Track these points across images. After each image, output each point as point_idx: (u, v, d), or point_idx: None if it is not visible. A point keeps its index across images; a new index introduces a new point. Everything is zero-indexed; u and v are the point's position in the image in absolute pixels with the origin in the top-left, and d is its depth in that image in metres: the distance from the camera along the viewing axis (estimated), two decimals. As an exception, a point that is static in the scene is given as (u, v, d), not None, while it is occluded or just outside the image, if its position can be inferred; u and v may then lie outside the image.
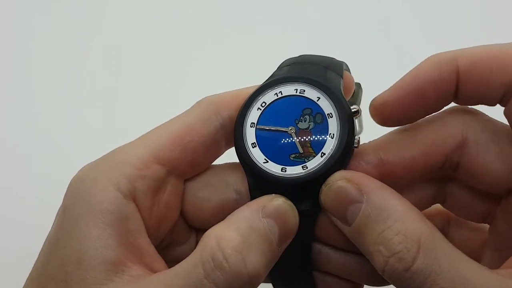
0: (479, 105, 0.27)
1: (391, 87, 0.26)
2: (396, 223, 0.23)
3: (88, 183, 0.25)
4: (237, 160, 0.27)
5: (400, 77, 0.26)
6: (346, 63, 0.29)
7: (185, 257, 0.30)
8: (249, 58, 0.55)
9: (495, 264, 0.27)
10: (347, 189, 0.25)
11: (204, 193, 0.28)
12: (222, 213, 0.27)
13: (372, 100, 0.27)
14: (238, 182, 0.28)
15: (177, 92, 0.54)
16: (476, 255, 0.29)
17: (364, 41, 0.56)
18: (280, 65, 0.29)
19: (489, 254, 0.29)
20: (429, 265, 0.22)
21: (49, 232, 0.26)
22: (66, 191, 0.26)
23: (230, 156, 0.29)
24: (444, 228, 0.31)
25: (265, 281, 0.30)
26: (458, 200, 0.29)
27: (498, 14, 0.55)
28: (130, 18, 0.59)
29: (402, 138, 0.27)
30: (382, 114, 0.27)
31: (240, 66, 0.54)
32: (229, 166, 0.29)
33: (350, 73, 0.29)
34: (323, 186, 0.26)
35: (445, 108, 0.27)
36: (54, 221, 0.26)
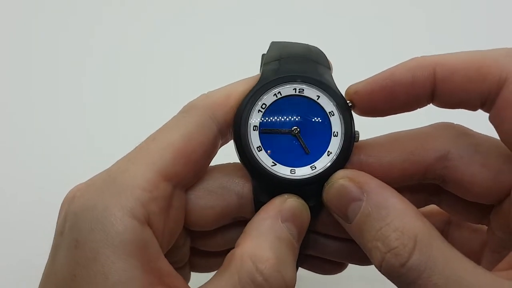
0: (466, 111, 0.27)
1: (366, 79, 0.27)
2: (394, 220, 0.24)
3: (100, 213, 0.24)
4: (232, 160, 0.28)
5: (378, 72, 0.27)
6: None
7: (181, 258, 0.31)
8: (238, 49, 0.55)
9: (494, 264, 0.27)
10: (349, 188, 0.25)
11: (207, 200, 0.28)
12: (224, 217, 0.28)
13: (347, 88, 0.27)
14: (239, 187, 0.28)
15: (171, 88, 0.53)
16: (476, 255, 0.30)
17: (362, 36, 0.56)
18: (265, 59, 0.28)
19: (489, 254, 0.29)
20: (424, 262, 0.23)
21: (55, 271, 0.25)
22: (71, 221, 0.25)
23: (229, 155, 0.29)
24: (445, 228, 0.31)
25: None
26: (452, 205, 0.29)
27: (500, 13, 0.54)
28: (127, 18, 0.59)
29: (385, 143, 0.27)
30: (353, 101, 0.27)
31: (229, 57, 0.54)
32: (228, 169, 0.29)
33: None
34: (325, 184, 0.26)
35: (430, 114, 0.28)
36: (58, 257, 0.25)
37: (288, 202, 0.26)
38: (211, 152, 0.28)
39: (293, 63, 0.28)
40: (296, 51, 0.28)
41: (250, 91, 0.27)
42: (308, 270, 0.32)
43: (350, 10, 0.57)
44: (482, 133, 0.27)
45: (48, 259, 0.25)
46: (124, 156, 0.27)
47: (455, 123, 0.28)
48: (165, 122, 0.28)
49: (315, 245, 0.29)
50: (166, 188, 0.26)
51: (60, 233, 0.25)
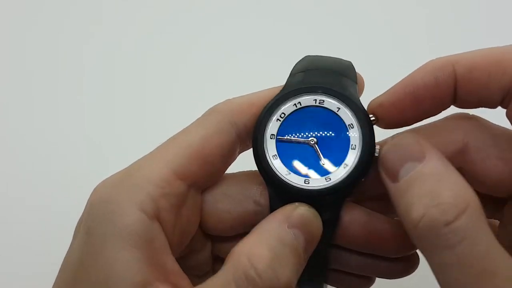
0: (481, 108, 0.27)
1: (388, 90, 0.26)
2: (450, 184, 0.23)
3: (112, 205, 0.25)
4: (247, 167, 0.28)
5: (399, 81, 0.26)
6: (352, 62, 0.29)
7: (201, 265, 0.31)
8: (255, 57, 0.54)
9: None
10: (412, 146, 0.24)
11: (224, 204, 0.28)
12: (242, 224, 0.28)
13: (369, 102, 0.27)
14: (257, 194, 0.28)
15: (180, 95, 0.53)
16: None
17: (371, 44, 0.55)
18: (292, 71, 0.29)
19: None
20: (469, 229, 0.22)
21: (69, 255, 0.26)
22: (88, 211, 0.26)
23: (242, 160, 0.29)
24: None
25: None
26: None
27: (504, 18, 0.54)
28: (131, 19, 0.58)
29: None
30: (378, 116, 0.27)
31: (247, 66, 0.53)
32: (246, 176, 0.29)
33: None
34: (389, 138, 0.25)
35: (445, 112, 0.27)
36: (74, 242, 0.26)
37: (298, 210, 0.25)
38: (228, 156, 0.28)
39: (318, 75, 0.28)
40: (324, 64, 0.28)
41: (271, 100, 0.27)
42: (336, 287, 0.32)
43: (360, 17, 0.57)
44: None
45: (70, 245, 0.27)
46: (145, 155, 0.27)
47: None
48: (166, 124, 0.28)
49: (337, 259, 0.29)
50: (180, 187, 0.26)
51: (80, 222, 0.27)
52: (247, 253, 0.24)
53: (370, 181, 0.27)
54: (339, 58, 0.29)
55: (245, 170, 0.30)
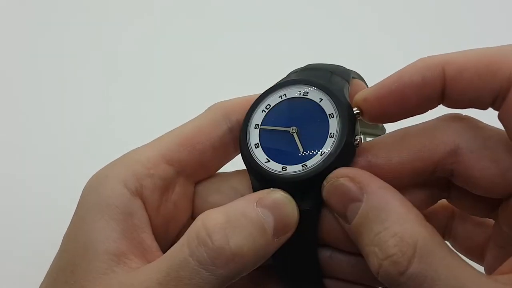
0: (474, 109, 0.26)
1: (374, 84, 0.26)
2: (394, 225, 0.23)
3: (99, 181, 0.27)
4: (243, 167, 0.28)
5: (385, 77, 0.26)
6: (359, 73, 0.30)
7: None
8: (261, 66, 0.55)
9: (499, 259, 0.28)
10: (348, 187, 0.25)
11: (214, 198, 0.29)
12: None
13: (355, 96, 0.27)
14: (245, 189, 0.28)
15: (188, 101, 0.54)
16: (480, 250, 0.30)
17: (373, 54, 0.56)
18: (289, 73, 0.30)
19: (494, 249, 0.29)
20: (424, 270, 0.22)
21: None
22: (85, 186, 0.28)
23: (236, 163, 0.30)
24: (448, 223, 0.31)
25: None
26: (461, 199, 0.29)
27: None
28: (138, 24, 0.60)
29: (392, 142, 0.27)
30: (362, 109, 0.26)
31: (251, 73, 0.55)
32: (237, 173, 0.30)
33: (366, 83, 0.30)
34: (324, 182, 0.26)
35: (438, 111, 0.27)
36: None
37: (272, 193, 0.25)
38: (220, 148, 0.29)
39: (309, 73, 0.29)
40: (318, 66, 0.29)
41: (260, 94, 0.28)
42: None
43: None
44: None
45: None
46: None
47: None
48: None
49: (330, 261, 0.28)
50: (166, 170, 0.28)
51: None
52: (203, 217, 0.24)
53: None
54: (340, 65, 0.29)
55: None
